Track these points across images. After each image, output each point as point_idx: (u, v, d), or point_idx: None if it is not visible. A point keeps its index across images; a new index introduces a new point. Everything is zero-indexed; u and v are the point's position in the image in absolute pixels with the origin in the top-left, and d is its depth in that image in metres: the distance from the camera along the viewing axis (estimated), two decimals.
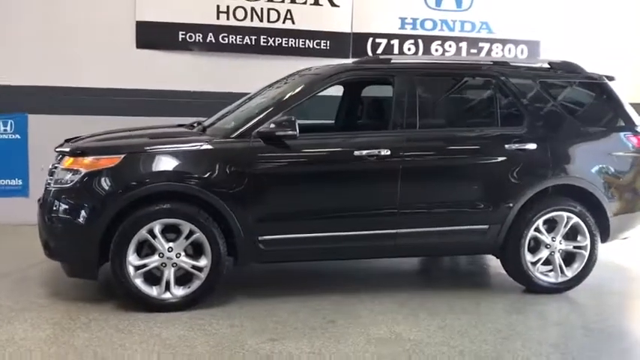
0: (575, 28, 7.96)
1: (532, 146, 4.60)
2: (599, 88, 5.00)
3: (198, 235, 4.12)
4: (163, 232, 4.12)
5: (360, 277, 5.13)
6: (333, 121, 5.83)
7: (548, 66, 4.98)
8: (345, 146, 4.41)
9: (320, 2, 7.25)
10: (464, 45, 7.66)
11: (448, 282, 5.28)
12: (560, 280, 4.74)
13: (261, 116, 4.28)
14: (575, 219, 4.69)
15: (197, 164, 4.14)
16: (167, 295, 4.14)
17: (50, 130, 6.32)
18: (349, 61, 5.87)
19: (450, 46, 7.62)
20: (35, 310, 4.15)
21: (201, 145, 4.22)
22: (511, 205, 4.56)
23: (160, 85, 7.00)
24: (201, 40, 7.02)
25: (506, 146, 4.56)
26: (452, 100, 5.02)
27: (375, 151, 4.33)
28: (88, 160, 4.11)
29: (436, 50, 7.58)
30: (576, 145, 4.75)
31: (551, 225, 4.73)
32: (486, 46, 7.71)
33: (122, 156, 4.08)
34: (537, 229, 4.66)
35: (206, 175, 4.11)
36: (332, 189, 4.38)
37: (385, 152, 4.35)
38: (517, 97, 4.69)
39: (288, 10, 7.18)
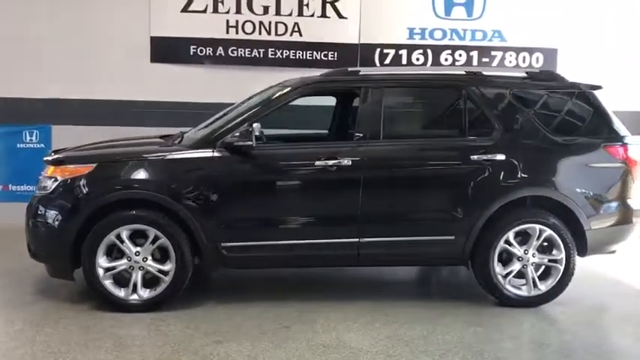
0: (596, 34, 7.71)
1: (500, 157, 4.54)
2: (581, 97, 4.86)
3: (163, 240, 4.34)
4: (134, 237, 4.37)
5: (333, 285, 5.23)
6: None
7: (526, 75, 4.89)
8: (306, 156, 4.51)
9: (327, 14, 7.39)
10: (475, 54, 7.58)
11: (424, 292, 5.29)
12: (534, 293, 4.65)
13: (224, 127, 4.47)
14: (548, 231, 4.59)
15: (160, 173, 4.37)
16: (134, 297, 4.38)
17: (72, 140, 6.68)
18: None
19: (461, 55, 7.56)
20: (18, 306, 4.49)
21: (165, 155, 4.44)
22: (477, 216, 4.52)
23: (173, 97, 7.34)
24: (211, 54, 7.31)
25: (472, 157, 4.53)
26: (418, 111, 5.04)
27: (336, 162, 4.42)
28: (64, 168, 4.42)
29: (446, 60, 7.55)
30: (549, 155, 4.65)
31: (526, 237, 4.64)
32: (499, 54, 7.60)
33: (93, 165, 4.38)
34: (508, 241, 4.59)
35: (168, 184, 4.33)
36: (293, 198, 4.51)
37: (346, 162, 4.42)
38: (487, 108, 4.65)
39: (296, 23, 7.36)
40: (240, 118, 4.51)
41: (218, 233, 4.38)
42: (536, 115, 4.72)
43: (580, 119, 4.88)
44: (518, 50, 7.61)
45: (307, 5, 7.34)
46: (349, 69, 4.93)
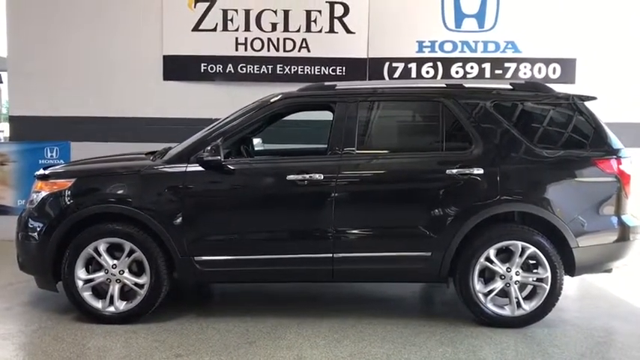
0: (618, 43, 7.40)
1: (478, 171, 4.40)
2: (570, 109, 4.66)
3: (138, 253, 4.42)
4: (112, 250, 4.47)
5: (312, 299, 5.21)
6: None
7: (510, 87, 4.73)
8: (277, 171, 4.51)
9: (335, 30, 7.40)
10: (487, 66, 7.41)
11: (407, 308, 5.12)
12: (517, 313, 4.45)
13: (197, 142, 4.54)
14: (531, 249, 4.40)
15: (134, 188, 4.46)
16: (111, 309, 4.48)
17: (89, 156, 7.02)
18: None
19: (472, 67, 7.41)
20: (6, 316, 4.67)
21: (139, 170, 4.54)
22: (454, 232, 4.39)
23: (185, 114, 7.52)
24: (221, 71, 7.46)
25: (448, 171, 4.40)
26: (394, 125, 4.94)
27: (307, 176, 4.40)
28: (47, 183, 4.59)
29: (456, 72, 7.41)
30: (532, 169, 4.46)
31: (509, 255, 4.47)
32: (512, 66, 7.40)
33: (73, 180, 4.52)
34: (489, 259, 4.43)
35: (141, 198, 4.42)
36: (265, 212, 4.49)
37: (318, 177, 4.39)
38: (465, 120, 4.52)
39: (304, 39, 7.41)
40: (214, 134, 4.56)
41: (191, 247, 4.43)
42: (518, 127, 4.55)
43: (568, 131, 4.66)
44: (533, 61, 7.38)
45: (315, 21, 7.39)
46: (325, 83, 4.91)
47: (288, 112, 4.91)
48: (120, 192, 4.47)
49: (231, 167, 4.47)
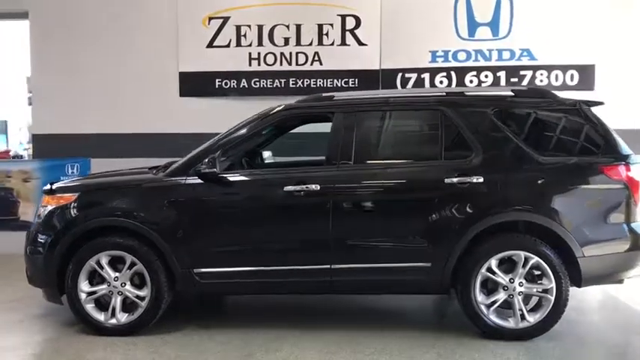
0: (639, 47, 7.19)
1: (478, 179, 4.31)
2: (575, 114, 4.53)
3: (139, 266, 4.48)
4: (115, 263, 4.53)
5: (311, 311, 5.18)
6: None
7: (511, 94, 4.64)
8: (274, 182, 4.51)
9: (347, 42, 7.41)
10: (502, 74, 7.29)
11: (409, 320, 5.02)
12: (522, 326, 4.32)
13: (196, 155, 4.58)
14: (535, 259, 4.28)
15: (133, 201, 4.53)
16: (113, 321, 4.53)
17: None
18: None
19: (487, 76, 7.30)
20: (16, 328, 4.78)
21: (140, 184, 4.61)
22: (454, 242, 4.30)
23: (200, 129, 7.54)
24: (235, 86, 7.55)
25: (446, 180, 4.33)
26: (393, 135, 4.86)
27: (304, 187, 4.39)
28: (53, 197, 4.70)
29: (471, 82, 7.31)
30: (534, 177, 4.34)
31: (512, 265, 4.35)
32: (528, 74, 7.26)
33: (76, 194, 4.62)
34: (490, 269, 4.32)
35: (141, 211, 4.48)
36: (263, 224, 4.49)
37: (315, 187, 4.38)
38: (464, 129, 4.44)
39: (316, 53, 7.44)
40: (212, 146, 4.60)
41: (190, 259, 4.45)
42: (520, 134, 4.45)
43: (573, 138, 4.54)
44: (550, 68, 7.23)
45: (327, 34, 7.42)
46: (323, 94, 4.91)
47: (287, 123, 4.92)
48: (121, 205, 4.54)
49: (230, 179, 4.50)
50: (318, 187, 4.38)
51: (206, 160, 4.42)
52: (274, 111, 4.71)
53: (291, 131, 5.50)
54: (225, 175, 4.49)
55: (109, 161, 7.58)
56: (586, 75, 7.21)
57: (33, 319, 5.01)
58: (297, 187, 4.40)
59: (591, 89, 7.17)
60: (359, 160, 4.48)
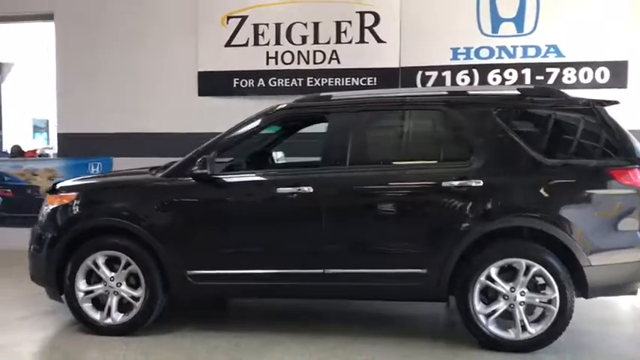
0: None
1: (477, 183, 4.11)
2: (586, 114, 4.26)
3: (133, 266, 4.47)
4: (112, 262, 4.54)
5: (307, 315, 5.07)
6: None
7: (517, 93, 4.40)
8: (267, 184, 4.43)
9: (366, 40, 7.27)
10: (527, 72, 6.99)
11: (407, 327, 4.82)
12: (522, 337, 4.09)
13: (191, 156, 4.53)
14: (537, 267, 4.05)
15: (131, 201, 4.52)
16: (108, 321, 4.54)
17: None
18: None
19: (511, 74, 7.02)
20: (19, 325, 4.86)
21: (137, 185, 4.61)
22: (451, 248, 4.11)
23: (219, 129, 7.42)
24: (253, 85, 7.51)
25: (444, 183, 4.14)
26: (390, 135, 4.68)
27: (296, 189, 4.28)
28: (56, 197, 4.75)
29: (494, 80, 7.04)
30: (537, 181, 4.10)
31: (513, 273, 4.13)
32: (555, 71, 6.94)
33: (75, 194, 4.65)
34: (490, 277, 4.11)
35: (137, 211, 4.46)
36: (256, 226, 4.41)
37: (307, 189, 4.27)
38: (465, 129, 4.25)
39: (334, 51, 7.33)
40: (207, 147, 4.55)
41: (184, 261, 4.42)
42: (525, 136, 4.21)
43: (585, 140, 4.28)
44: (578, 65, 6.89)
45: (345, 32, 7.29)
46: (321, 94, 4.78)
47: (285, 123, 4.82)
48: (117, 205, 4.55)
49: (223, 180, 4.44)
50: (311, 190, 4.27)
51: (199, 161, 4.37)
52: (271, 111, 4.62)
53: (298, 132, 5.42)
54: (218, 177, 4.44)
55: (130, 160, 7.66)
56: (618, 72, 6.83)
57: (38, 317, 5.08)
58: (290, 190, 4.30)
59: (624, 87, 6.81)
60: (354, 161, 4.34)
